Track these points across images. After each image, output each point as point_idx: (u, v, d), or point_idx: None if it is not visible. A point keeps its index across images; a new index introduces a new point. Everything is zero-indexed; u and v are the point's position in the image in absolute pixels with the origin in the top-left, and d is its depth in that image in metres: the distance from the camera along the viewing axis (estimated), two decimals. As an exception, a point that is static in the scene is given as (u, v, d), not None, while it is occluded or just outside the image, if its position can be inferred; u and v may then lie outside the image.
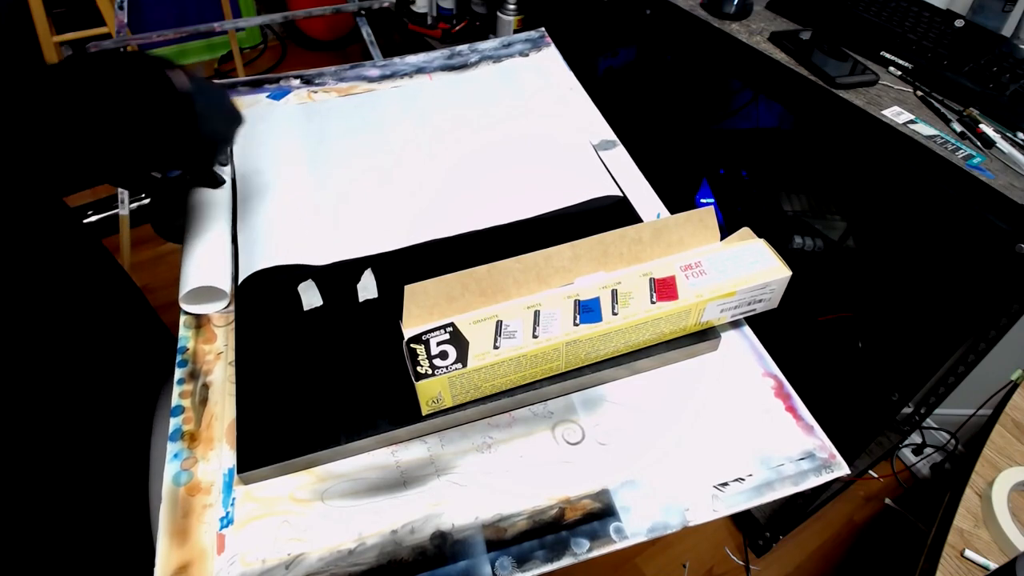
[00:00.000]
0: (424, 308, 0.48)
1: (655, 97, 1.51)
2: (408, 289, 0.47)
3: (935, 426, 1.43)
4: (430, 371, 0.45)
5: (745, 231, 0.55)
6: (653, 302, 0.50)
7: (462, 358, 0.46)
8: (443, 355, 0.46)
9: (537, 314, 0.49)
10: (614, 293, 0.50)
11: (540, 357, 0.48)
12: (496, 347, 0.47)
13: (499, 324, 0.48)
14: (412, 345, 0.47)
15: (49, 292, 0.65)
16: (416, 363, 0.46)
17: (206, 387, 0.53)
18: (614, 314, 0.49)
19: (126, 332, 0.78)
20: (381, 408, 0.49)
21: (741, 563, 1.28)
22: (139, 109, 0.46)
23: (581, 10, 1.54)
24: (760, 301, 0.53)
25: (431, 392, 0.46)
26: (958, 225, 1.18)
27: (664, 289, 0.50)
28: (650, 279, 0.51)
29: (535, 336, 0.47)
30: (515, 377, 0.49)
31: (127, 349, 0.77)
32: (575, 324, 0.48)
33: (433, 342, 0.47)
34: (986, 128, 0.75)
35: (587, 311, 0.49)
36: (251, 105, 0.78)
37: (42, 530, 0.77)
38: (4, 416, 0.68)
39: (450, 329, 0.47)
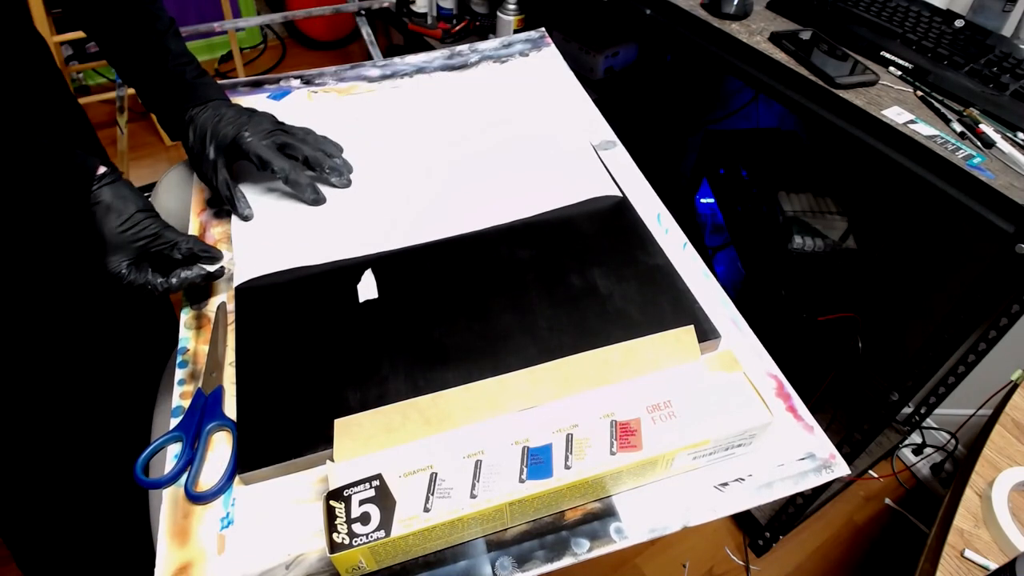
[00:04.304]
0: (359, 441, 0.44)
1: (655, 97, 1.51)
2: (339, 423, 0.44)
3: (935, 426, 1.43)
4: (347, 540, 0.39)
5: (727, 354, 0.50)
6: (613, 452, 0.44)
7: (386, 523, 0.40)
8: (364, 518, 0.40)
9: (478, 465, 0.43)
10: (569, 439, 0.44)
11: (479, 519, 0.42)
12: (427, 509, 0.41)
13: (433, 478, 0.43)
14: (332, 503, 0.41)
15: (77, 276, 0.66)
16: (333, 528, 0.40)
17: (206, 387, 0.53)
18: (567, 467, 0.43)
19: (131, 326, 0.78)
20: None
21: (741, 563, 1.28)
22: None
23: (581, 10, 1.54)
24: (739, 446, 0.48)
25: (350, 561, 0.41)
26: (958, 225, 1.18)
27: (627, 436, 0.45)
28: (611, 422, 0.45)
29: (473, 496, 0.42)
30: (452, 538, 0.43)
31: (129, 345, 0.77)
32: (521, 480, 0.43)
33: (355, 500, 0.41)
34: (986, 128, 0.75)
35: (536, 462, 0.43)
36: (251, 106, 0.78)
37: (43, 530, 0.77)
38: (5, 415, 0.68)
39: (376, 484, 0.42)
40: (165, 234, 0.55)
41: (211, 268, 0.57)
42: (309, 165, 0.65)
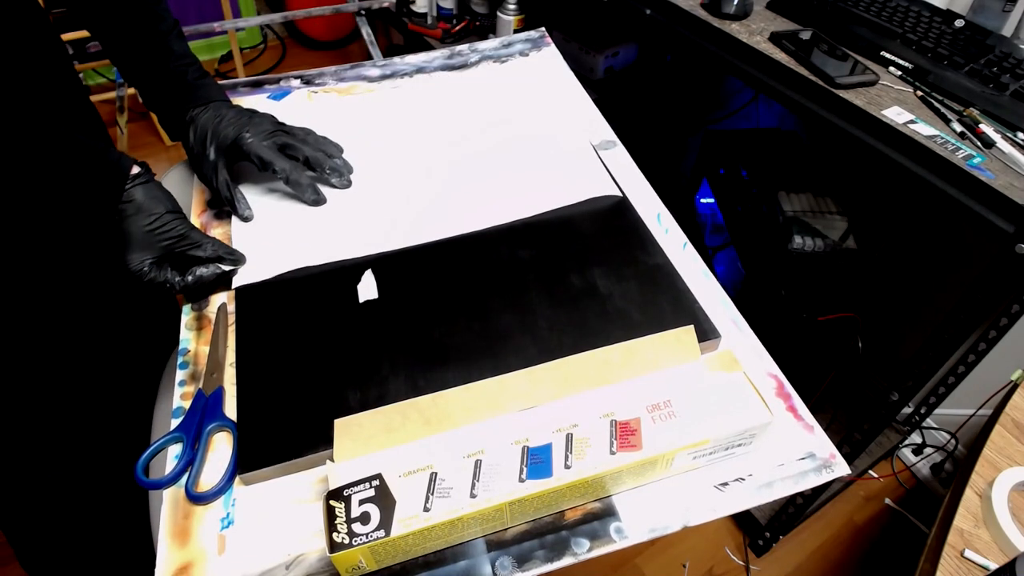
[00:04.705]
0: (359, 441, 0.44)
1: (655, 97, 1.52)
2: (339, 424, 0.44)
3: (935, 426, 1.43)
4: (347, 539, 0.39)
5: (727, 354, 0.50)
6: (613, 452, 0.44)
7: (386, 523, 0.40)
8: (364, 518, 0.40)
9: (478, 465, 0.43)
10: (569, 439, 0.44)
11: (479, 519, 0.42)
12: (427, 509, 0.41)
13: (433, 478, 0.43)
14: (331, 503, 0.41)
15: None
16: (333, 528, 0.40)
17: (207, 388, 0.53)
18: (567, 467, 0.43)
19: (131, 326, 0.78)
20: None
21: (741, 563, 1.28)
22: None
23: (581, 10, 1.54)
24: (739, 445, 0.47)
25: (350, 561, 0.40)
26: (958, 225, 1.18)
27: (627, 435, 0.45)
28: (611, 422, 0.45)
29: (473, 495, 0.42)
30: (452, 538, 0.43)
31: (129, 345, 0.77)
32: (521, 479, 0.42)
33: (355, 500, 0.41)
34: (986, 128, 0.75)
35: (536, 462, 0.43)
36: (251, 106, 0.78)
37: (45, 530, 0.77)
38: (6, 415, 0.68)
39: (376, 483, 0.42)
40: (191, 235, 0.56)
41: (227, 268, 0.58)
42: (310, 166, 0.65)
